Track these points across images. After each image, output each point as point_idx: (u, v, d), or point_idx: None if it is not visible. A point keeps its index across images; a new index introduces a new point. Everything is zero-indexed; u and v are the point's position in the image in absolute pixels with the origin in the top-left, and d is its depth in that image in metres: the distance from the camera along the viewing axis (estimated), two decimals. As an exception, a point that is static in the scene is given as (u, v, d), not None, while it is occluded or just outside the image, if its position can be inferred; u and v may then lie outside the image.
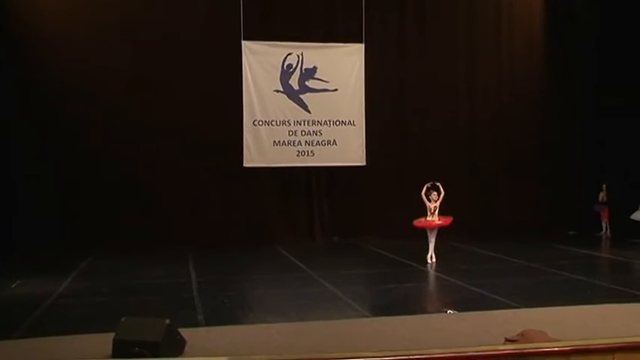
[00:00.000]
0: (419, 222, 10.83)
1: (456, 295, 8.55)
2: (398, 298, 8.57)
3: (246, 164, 13.41)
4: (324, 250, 13.24)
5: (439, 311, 7.65)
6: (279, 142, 13.58)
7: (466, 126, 14.72)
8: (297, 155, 13.64)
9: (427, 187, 10.85)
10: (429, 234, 10.84)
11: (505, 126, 14.72)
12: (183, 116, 13.08)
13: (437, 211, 10.71)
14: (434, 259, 10.74)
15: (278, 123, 13.56)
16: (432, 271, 10.30)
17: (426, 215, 10.79)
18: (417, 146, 14.40)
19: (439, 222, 10.74)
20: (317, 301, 8.39)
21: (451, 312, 7.45)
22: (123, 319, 5.78)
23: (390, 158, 14.21)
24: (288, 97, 13.61)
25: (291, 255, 11.97)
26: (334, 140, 13.80)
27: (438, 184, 10.88)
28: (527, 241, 13.25)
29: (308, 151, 13.69)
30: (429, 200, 10.76)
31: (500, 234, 13.84)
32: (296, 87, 13.65)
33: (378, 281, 9.82)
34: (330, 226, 14.10)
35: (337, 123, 13.82)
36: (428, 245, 10.83)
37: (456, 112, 14.66)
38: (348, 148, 13.87)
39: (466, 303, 7.98)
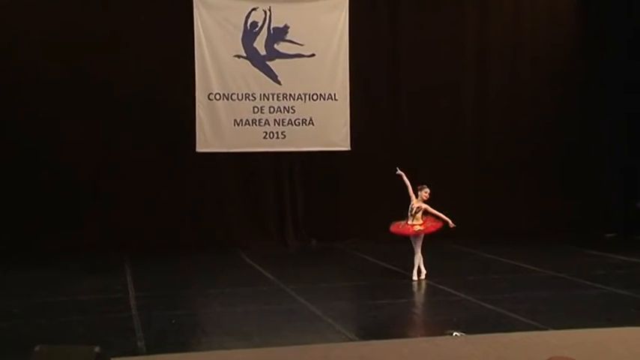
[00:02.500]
0: (395, 226, 10.35)
1: (465, 313, 8.53)
2: (391, 316, 8.57)
3: (199, 149, 13.35)
4: (298, 257, 13.23)
5: (443, 333, 7.62)
6: (241, 121, 13.49)
7: (474, 103, 14.75)
8: (265, 138, 13.60)
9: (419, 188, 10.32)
10: (413, 243, 10.38)
11: (522, 103, 14.77)
12: (117, 88, 12.96)
13: (421, 213, 10.14)
14: (422, 275, 10.37)
15: (240, 97, 13.47)
16: (433, 284, 10.27)
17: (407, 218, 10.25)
18: (415, 127, 14.38)
19: (419, 228, 10.07)
20: (290, 320, 8.35)
21: (458, 334, 7.44)
22: (37, 347, 5.58)
23: (380, 142, 14.18)
24: (253, 64, 13.54)
25: (256, 263, 11.98)
26: (311, 119, 13.76)
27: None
28: (553, 246, 13.31)
29: (278, 133, 13.63)
30: (416, 196, 10.23)
31: (519, 237, 13.88)
32: (262, 51, 13.57)
33: (367, 296, 9.81)
34: (306, 227, 14.09)
35: (315, 97, 13.77)
36: (413, 258, 10.38)
37: (463, 85, 14.67)
38: (329, 130, 13.86)
39: (477, 323, 7.99)
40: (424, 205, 10.22)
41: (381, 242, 13.04)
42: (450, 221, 10.18)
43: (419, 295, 9.98)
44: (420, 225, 10.18)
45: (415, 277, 10.34)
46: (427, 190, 10.30)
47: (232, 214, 13.70)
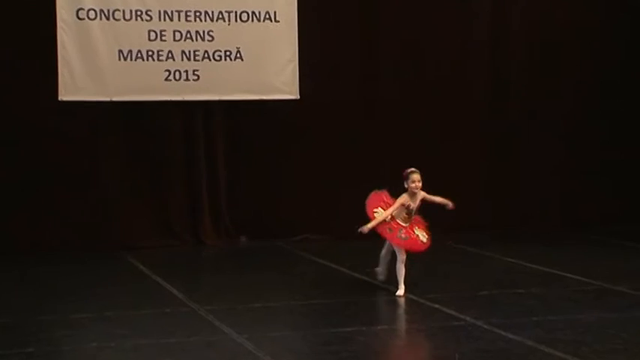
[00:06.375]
0: (395, 238, 10.46)
1: (473, 346, 8.52)
2: (362, 352, 8.57)
3: (63, 97, 13.37)
4: (220, 263, 13.39)
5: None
6: (129, 53, 13.60)
7: (490, 37, 15.06)
8: (167, 79, 13.72)
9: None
10: (396, 249, 10.61)
11: (557, 53, 15.06)
12: None
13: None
14: (401, 291, 10.53)
15: (127, 16, 13.57)
16: (426, 302, 10.28)
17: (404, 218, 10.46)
18: (401, 68, 14.59)
19: (421, 241, 10.50)
20: (207, 359, 8.35)
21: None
22: None
23: (347, 88, 14.35)
24: (147, -37, 13.67)
25: (154, 272, 12.09)
26: (238, 51, 13.89)
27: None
28: (603, 245, 13.55)
29: (188, 72, 13.76)
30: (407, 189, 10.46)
31: (553, 233, 14.25)
32: (161, -60, 13.74)
33: (325, 320, 9.83)
34: (233, 218, 14.22)
35: (245, 17, 13.93)
36: (395, 270, 10.56)
37: (471, 8, 14.88)
38: (266, 67, 14.02)
39: (493, 360, 8.02)
40: (421, 196, 10.46)
41: (345, 239, 13.05)
42: (449, 203, 10.53)
43: (405, 320, 10.04)
44: (425, 233, 10.60)
45: (401, 293, 10.47)
46: (417, 175, 10.43)
47: (118, 198, 13.78)
